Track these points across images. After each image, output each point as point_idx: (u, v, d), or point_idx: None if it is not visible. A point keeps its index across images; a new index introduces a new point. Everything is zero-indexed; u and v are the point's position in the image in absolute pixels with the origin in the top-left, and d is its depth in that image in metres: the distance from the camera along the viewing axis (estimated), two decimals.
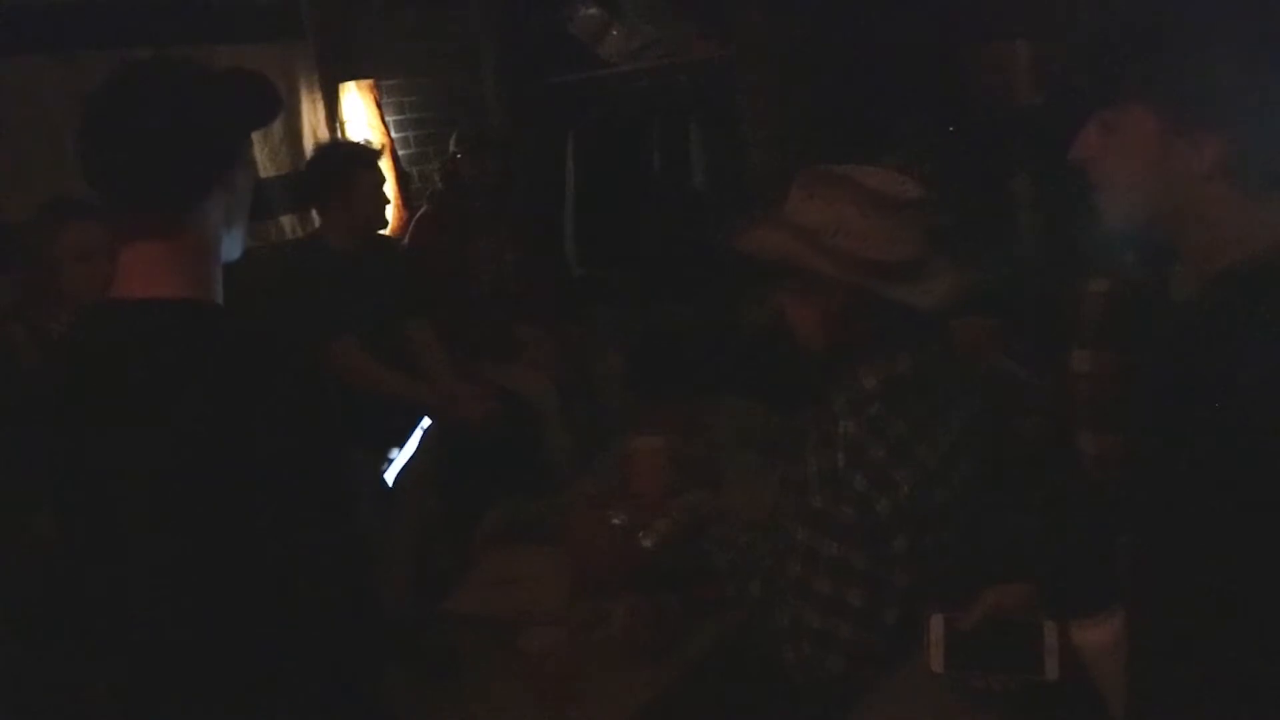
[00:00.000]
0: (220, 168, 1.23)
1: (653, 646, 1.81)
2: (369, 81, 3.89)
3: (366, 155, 3.23)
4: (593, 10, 4.41)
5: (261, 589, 1.19)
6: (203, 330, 1.21)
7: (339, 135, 3.85)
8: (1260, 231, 1.03)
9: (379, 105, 3.91)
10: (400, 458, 3.08)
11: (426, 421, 3.18)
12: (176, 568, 1.19)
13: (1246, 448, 0.95)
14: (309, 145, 3.69)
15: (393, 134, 4.00)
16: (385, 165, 3.77)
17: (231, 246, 1.29)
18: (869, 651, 1.55)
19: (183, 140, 1.19)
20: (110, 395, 1.19)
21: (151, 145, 1.18)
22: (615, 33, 4.39)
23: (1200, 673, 1.01)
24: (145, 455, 1.17)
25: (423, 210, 3.76)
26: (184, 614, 1.20)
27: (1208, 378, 0.99)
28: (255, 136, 1.77)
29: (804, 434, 1.64)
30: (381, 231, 3.38)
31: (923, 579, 1.55)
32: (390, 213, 3.35)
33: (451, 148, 3.75)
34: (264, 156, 3.59)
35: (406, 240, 3.70)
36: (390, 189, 3.86)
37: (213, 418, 1.15)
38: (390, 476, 3.04)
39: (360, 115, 3.86)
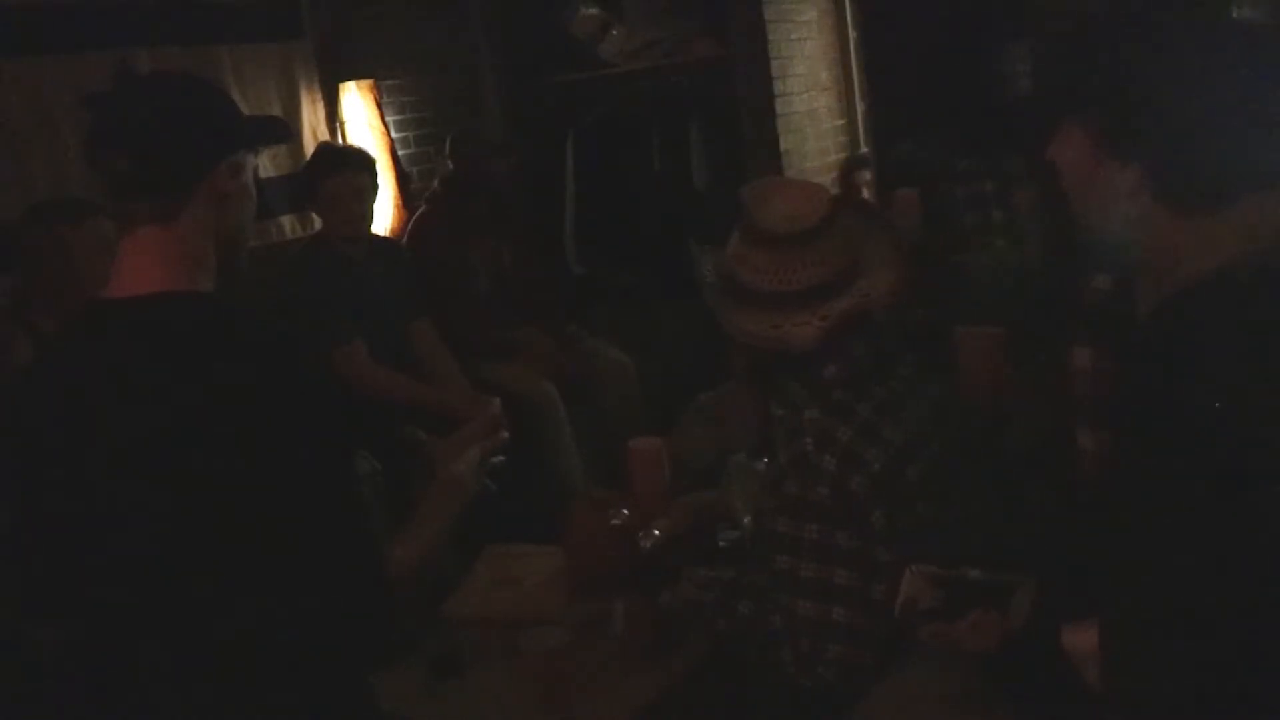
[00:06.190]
0: (206, 166, 1.28)
1: (653, 646, 1.81)
2: (369, 81, 3.88)
3: (338, 159, 3.20)
4: (593, 10, 4.40)
5: (265, 576, 1.20)
6: (199, 319, 1.25)
7: (339, 135, 3.84)
8: (1204, 250, 1.03)
9: (379, 105, 3.90)
10: None
11: None
12: (179, 558, 1.19)
13: (1200, 475, 0.94)
14: (309, 145, 3.68)
15: (393, 134, 3.99)
16: (384, 167, 3.77)
17: (231, 250, 1.33)
18: (863, 635, 1.57)
19: (173, 133, 1.26)
20: (108, 389, 1.20)
21: (145, 135, 1.25)
22: (615, 33, 4.38)
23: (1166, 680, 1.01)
24: (145, 446, 1.17)
25: (422, 210, 3.75)
26: (182, 603, 1.20)
27: (1160, 402, 1.00)
28: None
29: (773, 433, 1.67)
30: (379, 233, 3.36)
31: (904, 554, 1.57)
32: (367, 219, 3.28)
33: (450, 148, 3.75)
34: (264, 157, 3.57)
35: (405, 240, 3.69)
36: (390, 189, 3.86)
37: (212, 406, 1.17)
38: None
39: (360, 115, 3.85)
